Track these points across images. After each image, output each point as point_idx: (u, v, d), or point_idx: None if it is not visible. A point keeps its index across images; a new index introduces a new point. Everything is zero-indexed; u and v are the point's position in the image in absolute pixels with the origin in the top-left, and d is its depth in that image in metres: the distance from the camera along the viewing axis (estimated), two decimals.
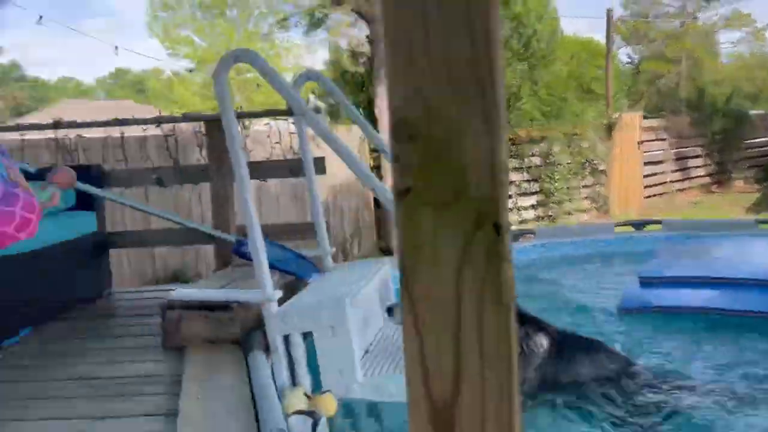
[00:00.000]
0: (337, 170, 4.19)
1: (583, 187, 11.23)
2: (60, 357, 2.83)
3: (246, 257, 3.35)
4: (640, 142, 12.04)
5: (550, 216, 10.49)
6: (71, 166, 2.90)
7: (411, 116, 0.60)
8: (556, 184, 10.48)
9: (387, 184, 2.88)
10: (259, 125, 4.62)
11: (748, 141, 14.53)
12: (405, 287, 0.62)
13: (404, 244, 0.61)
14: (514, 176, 10.28)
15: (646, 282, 3.93)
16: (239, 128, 3.29)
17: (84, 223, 3.66)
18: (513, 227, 10.19)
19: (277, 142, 3.75)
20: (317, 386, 2.62)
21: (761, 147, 14.72)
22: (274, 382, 2.34)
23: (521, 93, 9.90)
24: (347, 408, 2.53)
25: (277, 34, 21.43)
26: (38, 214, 1.07)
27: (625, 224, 6.05)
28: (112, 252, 4.07)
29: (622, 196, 11.56)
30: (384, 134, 5.70)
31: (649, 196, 12.40)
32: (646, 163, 12.37)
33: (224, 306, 2.75)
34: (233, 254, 3.34)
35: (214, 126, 3.82)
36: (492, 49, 0.58)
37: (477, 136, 0.59)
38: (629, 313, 3.72)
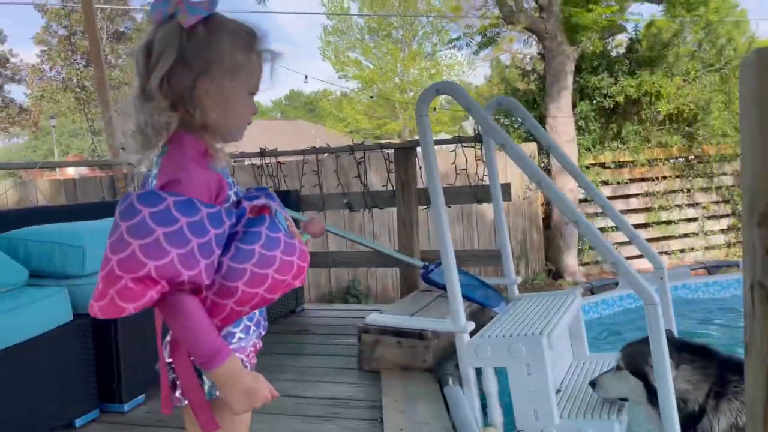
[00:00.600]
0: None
1: None
2: (260, 371, 3.02)
3: (432, 283, 3.37)
4: None
5: None
6: (275, 191, 3.12)
7: None
8: None
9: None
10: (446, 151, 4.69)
11: None
12: None
13: None
14: (701, 197, 9.37)
15: None
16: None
17: None
18: (699, 254, 9.29)
19: (463, 169, 3.75)
20: (509, 425, 2.54)
21: None
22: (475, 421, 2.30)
23: (712, 107, 9.01)
24: None
25: (440, 52, 21.87)
26: (308, 263, 1.13)
27: None
28: None
29: None
30: None
31: None
32: None
33: (418, 334, 2.78)
34: (422, 280, 3.37)
35: (401, 153, 3.93)
36: None
37: None
38: None
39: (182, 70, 1.08)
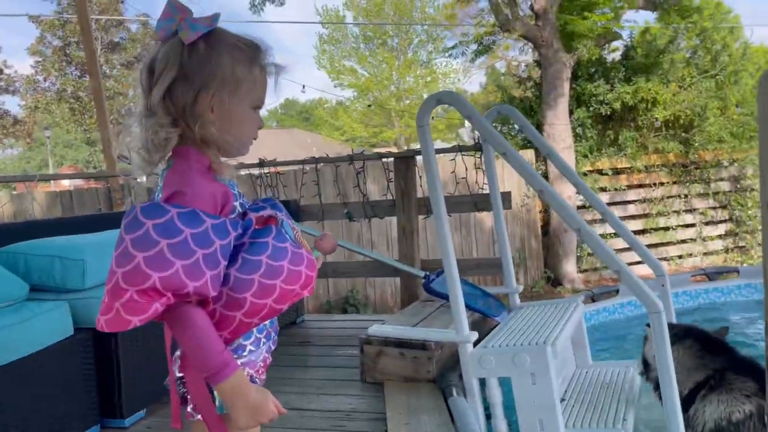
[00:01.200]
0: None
1: None
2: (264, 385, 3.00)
3: (433, 293, 3.36)
4: None
5: (742, 247, 9.42)
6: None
7: None
8: (750, 211, 9.38)
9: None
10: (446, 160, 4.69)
11: None
12: None
13: None
14: (698, 203, 9.39)
15: None
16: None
17: None
18: (698, 259, 9.29)
19: (463, 177, 3.75)
20: None
21: None
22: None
23: (708, 114, 9.04)
24: None
25: (435, 60, 21.92)
26: (316, 272, 1.12)
27: None
28: None
29: None
30: None
31: None
32: None
33: (421, 345, 2.76)
34: (424, 290, 3.35)
35: (401, 162, 3.92)
36: None
37: None
38: None
39: (183, 85, 1.08)
